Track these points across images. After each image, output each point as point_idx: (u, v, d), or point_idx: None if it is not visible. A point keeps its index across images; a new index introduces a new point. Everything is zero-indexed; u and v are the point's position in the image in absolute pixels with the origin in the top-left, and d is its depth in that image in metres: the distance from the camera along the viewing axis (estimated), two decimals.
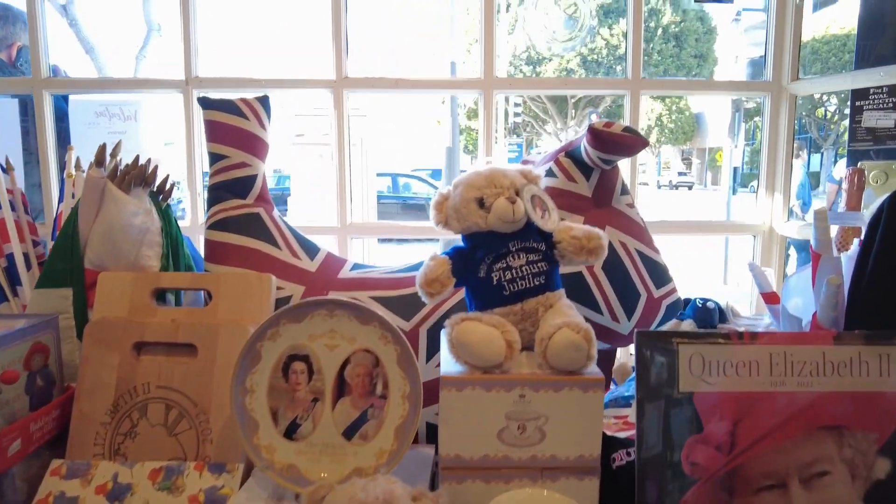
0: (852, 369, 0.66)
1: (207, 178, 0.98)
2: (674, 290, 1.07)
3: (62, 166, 1.54)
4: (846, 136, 1.57)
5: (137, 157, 0.94)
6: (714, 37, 18.69)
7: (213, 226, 0.96)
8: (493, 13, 1.51)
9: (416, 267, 1.01)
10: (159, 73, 1.55)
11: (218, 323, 0.84)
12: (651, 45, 17.75)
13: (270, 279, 0.88)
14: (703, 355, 0.65)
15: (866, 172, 1.19)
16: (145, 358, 0.83)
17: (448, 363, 0.67)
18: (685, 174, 25.16)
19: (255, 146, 0.97)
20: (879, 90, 1.41)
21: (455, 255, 0.72)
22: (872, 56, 1.53)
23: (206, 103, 0.97)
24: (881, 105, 1.41)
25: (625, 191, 1.06)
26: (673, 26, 17.95)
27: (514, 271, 0.68)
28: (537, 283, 0.69)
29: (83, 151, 1.15)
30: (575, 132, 21.01)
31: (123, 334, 0.84)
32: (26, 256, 1.10)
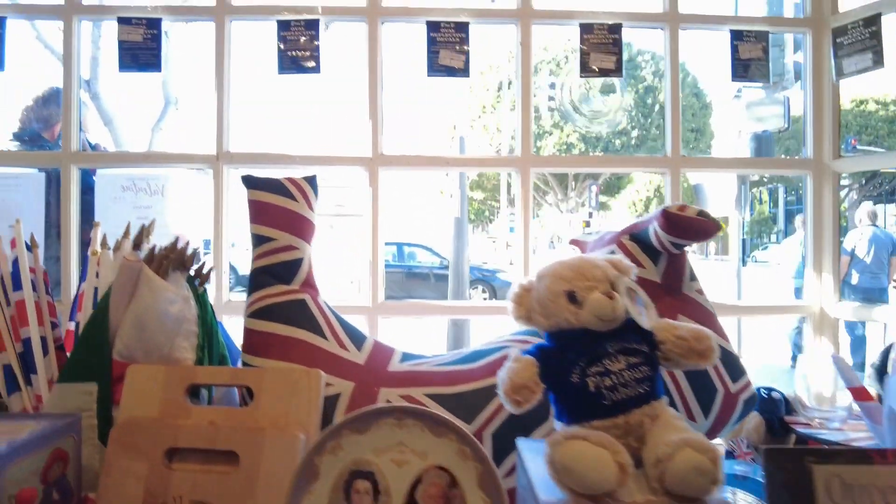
0: None
1: (251, 261, 0.91)
2: (749, 384, 0.98)
3: (84, 242, 1.49)
4: (844, 206, 1.53)
5: (176, 240, 0.88)
6: (710, 112, 19.33)
7: (256, 314, 0.88)
8: (530, 98, 1.51)
9: (470, 357, 0.93)
10: (177, 146, 1.52)
11: (263, 427, 0.74)
12: (650, 120, 18.29)
13: (319, 376, 0.80)
14: (842, 477, 0.56)
15: None
16: (178, 466, 0.73)
17: (545, 487, 0.58)
18: None
19: (303, 228, 0.91)
20: None
21: (542, 355, 0.64)
22: None
23: (251, 182, 0.92)
24: None
25: (693, 276, 0.99)
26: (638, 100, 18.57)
27: (613, 377, 0.60)
28: (641, 390, 0.60)
29: (108, 226, 1.09)
30: (575, 202, 21.31)
31: (154, 438, 0.74)
32: (44, 340, 1.01)
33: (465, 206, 6.66)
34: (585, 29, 1.49)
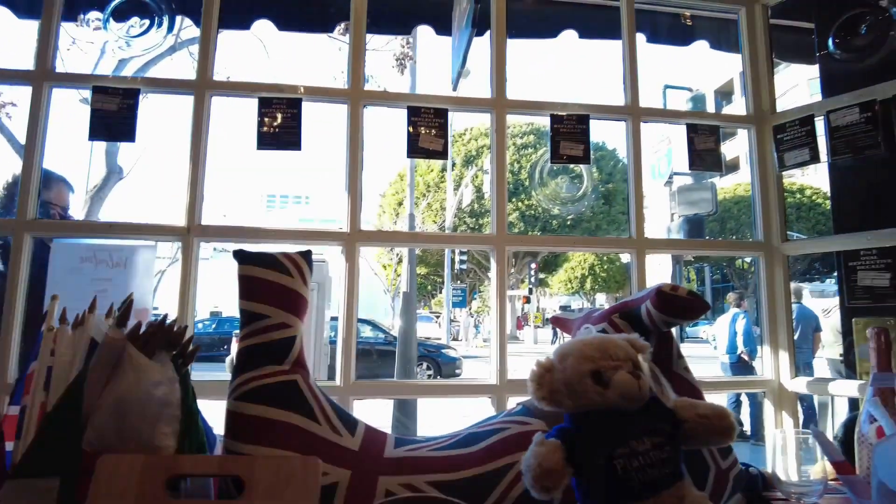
0: None
1: (239, 340, 0.86)
2: (736, 461, 1.00)
3: (31, 316, 1.37)
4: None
5: (165, 317, 0.83)
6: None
7: (243, 396, 0.83)
8: (504, 180, 1.56)
9: (467, 440, 0.90)
10: (121, 216, 1.46)
11: None
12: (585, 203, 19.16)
13: (318, 465, 0.74)
14: None
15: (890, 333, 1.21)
16: None
17: None
18: None
19: (298, 305, 0.88)
20: (869, 252, 1.50)
21: (566, 438, 0.62)
22: (851, 220, 1.65)
23: (244, 257, 0.89)
24: (873, 266, 1.49)
25: (680, 354, 1.01)
26: (600, 185, 19.70)
27: (640, 458, 0.59)
28: (668, 471, 0.60)
29: (65, 300, 1.01)
30: (516, 279, 21.74)
31: None
32: None
33: (413, 281, 6.66)
34: (556, 119, 1.58)
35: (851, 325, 1.58)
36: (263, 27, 1.90)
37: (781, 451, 1.31)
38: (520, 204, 19.25)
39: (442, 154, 1.51)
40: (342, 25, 2.68)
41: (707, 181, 6.43)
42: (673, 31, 2.00)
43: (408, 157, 1.51)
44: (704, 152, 1.67)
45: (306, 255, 0.93)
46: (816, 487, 1.24)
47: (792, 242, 1.67)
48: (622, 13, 1.70)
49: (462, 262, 17.35)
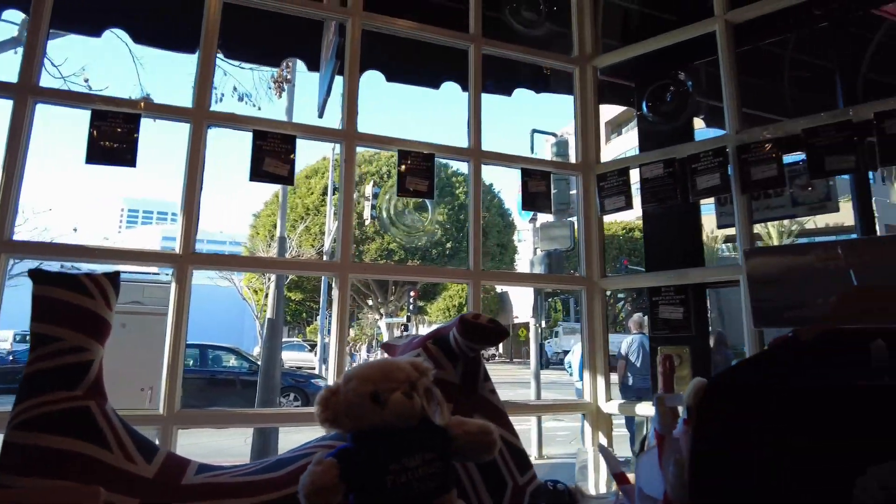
0: None
1: (26, 364, 0.81)
2: (535, 477, 1.09)
3: None
4: (622, 316, 1.85)
5: None
6: (512, 229, 21.69)
7: (22, 425, 0.78)
8: (351, 208, 1.61)
9: (273, 465, 0.91)
10: None
11: None
12: (462, 234, 19.79)
13: (98, 494, 0.72)
14: None
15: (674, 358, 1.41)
16: None
17: None
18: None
19: (98, 328, 0.85)
20: (669, 288, 1.72)
21: (344, 456, 0.66)
22: (658, 260, 1.89)
23: (39, 277, 0.84)
24: (671, 301, 1.72)
25: (487, 377, 1.10)
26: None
27: (409, 473, 0.65)
28: (434, 485, 0.66)
29: None
30: (395, 306, 21.77)
31: None
32: None
33: (280, 308, 6.45)
34: (403, 155, 1.66)
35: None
36: (117, 37, 1.82)
37: (583, 467, 1.45)
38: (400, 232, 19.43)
39: (287, 179, 1.53)
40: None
41: (567, 219, 6.96)
42: (535, 80, 2.19)
43: (250, 180, 1.51)
44: (536, 195, 1.84)
45: (113, 276, 0.90)
46: (611, 498, 1.38)
47: (609, 278, 1.87)
48: (470, 60, 1.83)
49: None
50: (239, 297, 17.84)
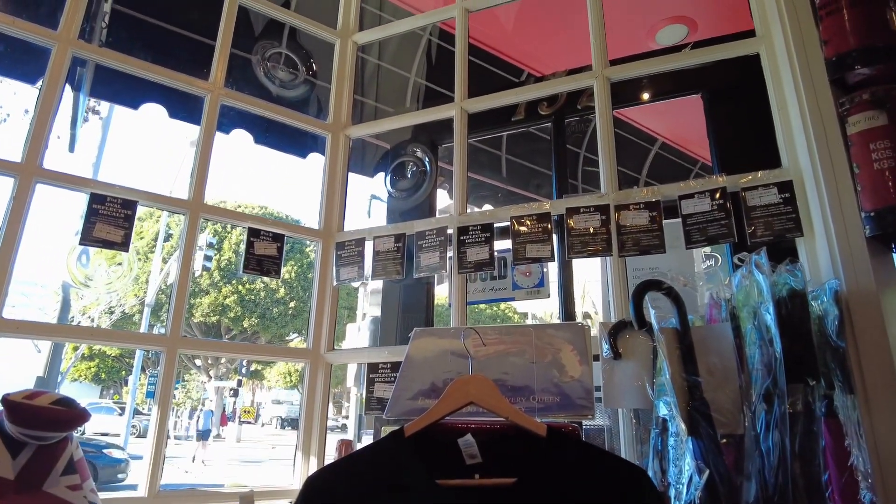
0: None
1: None
2: None
3: None
4: None
5: None
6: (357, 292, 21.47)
7: None
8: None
9: None
10: None
11: None
12: (307, 294, 19.21)
13: None
14: None
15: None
16: None
17: None
18: None
19: None
20: (386, 365, 1.68)
21: None
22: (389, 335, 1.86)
23: None
24: (387, 378, 1.67)
25: (71, 469, 0.93)
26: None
27: None
28: None
29: None
30: (226, 368, 20.20)
31: None
32: None
33: (57, 366, 5.60)
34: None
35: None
36: None
37: None
38: (240, 287, 18.37)
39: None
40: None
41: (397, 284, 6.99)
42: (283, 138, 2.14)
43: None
44: (265, 258, 1.74)
45: None
46: None
47: (335, 352, 1.80)
48: (204, 108, 1.73)
49: None
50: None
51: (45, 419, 0.81)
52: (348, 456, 0.88)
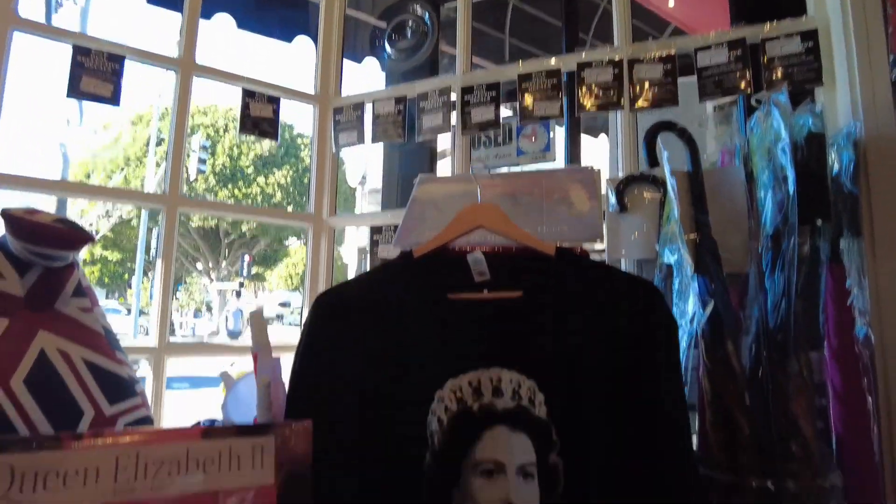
0: (221, 465, 0.63)
1: None
2: (138, 406, 0.96)
3: None
4: None
5: None
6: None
7: None
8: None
9: None
10: None
11: None
12: (305, 198, 19.11)
13: None
14: (12, 466, 0.53)
15: None
16: None
17: None
18: None
19: None
20: (389, 228, 1.67)
21: None
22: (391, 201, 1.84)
23: None
24: (389, 240, 1.67)
25: (80, 293, 0.93)
26: None
27: None
28: None
29: None
30: (228, 271, 20.51)
31: None
32: None
33: None
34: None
35: None
36: None
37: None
38: (237, 192, 18.26)
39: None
40: None
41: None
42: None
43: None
44: (260, 119, 1.68)
45: None
46: None
47: (338, 217, 1.79)
48: None
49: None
50: None
51: (49, 235, 0.80)
52: (357, 276, 0.88)
